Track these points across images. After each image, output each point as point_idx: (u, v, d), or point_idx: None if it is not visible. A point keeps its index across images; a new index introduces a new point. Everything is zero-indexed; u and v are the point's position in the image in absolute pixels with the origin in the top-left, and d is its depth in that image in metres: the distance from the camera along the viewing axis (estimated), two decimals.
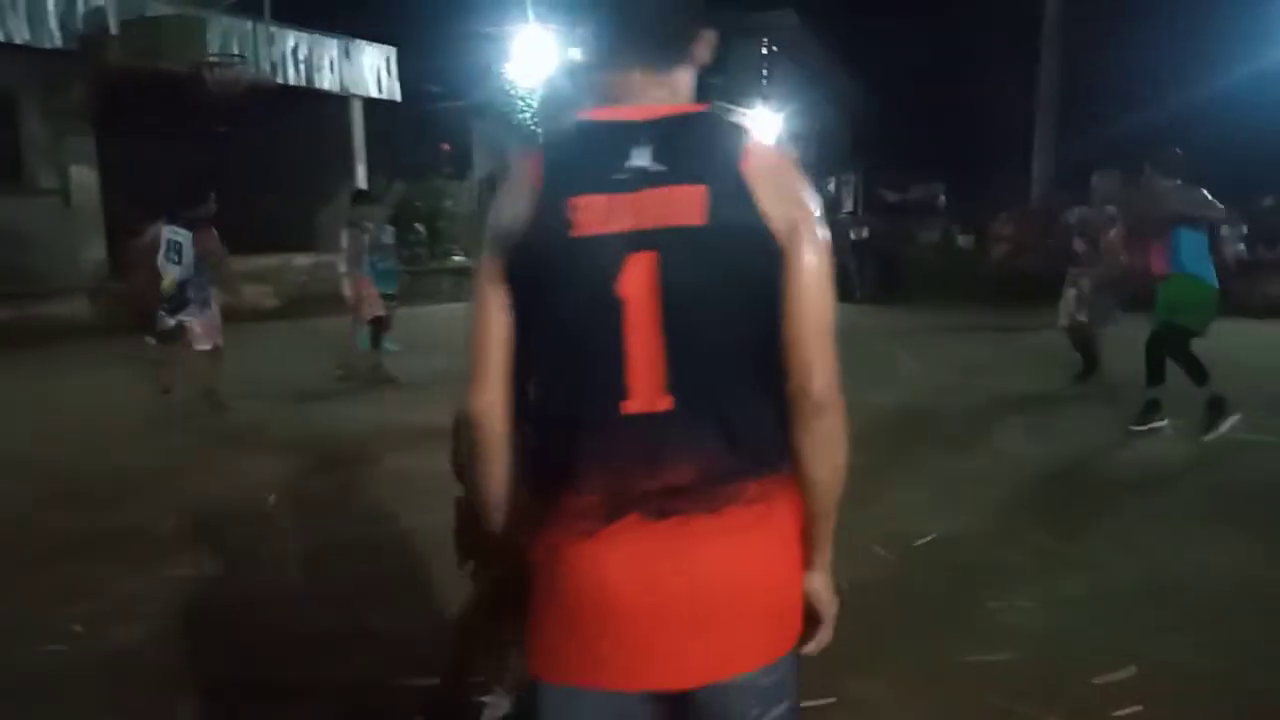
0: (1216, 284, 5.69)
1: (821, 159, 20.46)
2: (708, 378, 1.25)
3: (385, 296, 8.36)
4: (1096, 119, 16.27)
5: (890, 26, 20.79)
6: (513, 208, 1.28)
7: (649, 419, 1.24)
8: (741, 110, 21.27)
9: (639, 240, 1.23)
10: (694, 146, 1.26)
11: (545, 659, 1.32)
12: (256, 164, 14.34)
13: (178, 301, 6.93)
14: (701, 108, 1.33)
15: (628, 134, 1.26)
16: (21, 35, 11.36)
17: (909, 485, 4.77)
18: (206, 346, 7.00)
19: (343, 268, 8.19)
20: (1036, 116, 16.05)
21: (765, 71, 22.69)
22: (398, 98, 16.18)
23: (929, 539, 4.05)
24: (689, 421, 1.24)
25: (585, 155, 1.28)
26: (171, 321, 7.01)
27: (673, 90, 1.32)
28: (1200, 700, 2.78)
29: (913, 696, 2.77)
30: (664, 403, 1.24)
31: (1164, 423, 5.81)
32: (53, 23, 11.62)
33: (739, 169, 1.24)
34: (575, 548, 1.26)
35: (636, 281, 1.23)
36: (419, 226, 15.94)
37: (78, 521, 4.48)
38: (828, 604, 1.40)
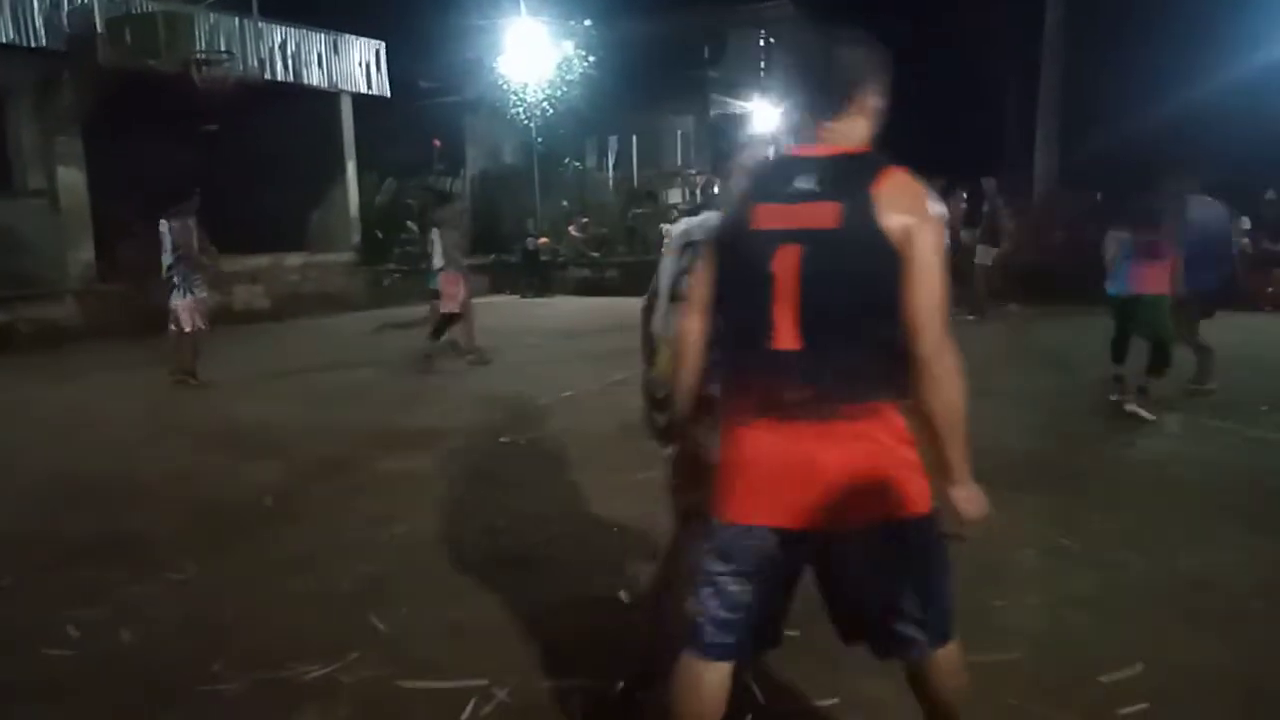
0: (1111, 289, 6.25)
1: None
2: (825, 333, 1.84)
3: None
4: (1099, 115, 16.23)
5: (889, 19, 20.69)
6: (730, 208, 2.01)
7: (785, 354, 1.86)
8: (740, 103, 21.21)
9: (790, 236, 1.85)
10: (840, 175, 1.87)
11: (723, 504, 1.96)
12: (246, 162, 14.22)
13: (166, 286, 7.86)
14: (858, 149, 1.91)
15: (800, 166, 1.91)
16: (6, 34, 11.24)
17: None
18: (188, 328, 7.91)
19: (439, 263, 8.71)
20: (1038, 114, 15.95)
21: (763, 64, 22.61)
22: (387, 93, 16.04)
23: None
24: (810, 360, 1.84)
25: (771, 177, 1.98)
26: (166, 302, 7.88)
27: (843, 132, 1.92)
28: (1208, 697, 2.75)
29: None
30: (795, 345, 1.85)
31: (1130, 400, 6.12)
32: (38, 22, 11.49)
33: (869, 191, 1.81)
34: (739, 433, 1.94)
35: (783, 263, 1.85)
36: (411, 224, 15.75)
37: (78, 525, 4.45)
38: (967, 509, 1.98)
